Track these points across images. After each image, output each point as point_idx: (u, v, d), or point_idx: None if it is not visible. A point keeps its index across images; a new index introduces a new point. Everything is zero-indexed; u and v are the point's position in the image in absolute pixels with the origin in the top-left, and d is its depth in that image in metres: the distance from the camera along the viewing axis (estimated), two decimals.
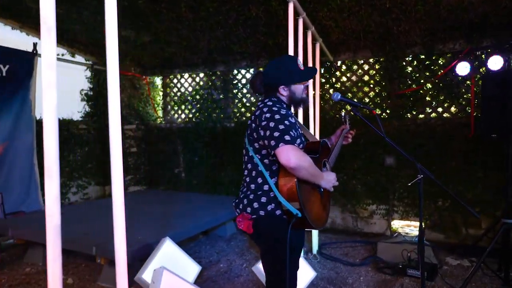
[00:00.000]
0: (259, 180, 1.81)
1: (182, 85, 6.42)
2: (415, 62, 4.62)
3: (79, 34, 4.86)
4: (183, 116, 6.43)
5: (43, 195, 4.94)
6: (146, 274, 2.69)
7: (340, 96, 2.00)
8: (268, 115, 1.74)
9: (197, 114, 6.16)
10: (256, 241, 1.91)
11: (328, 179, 1.82)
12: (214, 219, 4.24)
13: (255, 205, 1.78)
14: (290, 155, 1.61)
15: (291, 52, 3.08)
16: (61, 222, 4.02)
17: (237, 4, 3.74)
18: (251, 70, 5.70)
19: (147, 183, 6.53)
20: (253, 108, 5.65)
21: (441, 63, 4.50)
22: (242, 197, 1.86)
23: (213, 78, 6.04)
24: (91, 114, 5.81)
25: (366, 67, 4.96)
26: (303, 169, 1.64)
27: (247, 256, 3.97)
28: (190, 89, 6.33)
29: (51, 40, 1.19)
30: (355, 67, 5.02)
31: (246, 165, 1.90)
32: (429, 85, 4.56)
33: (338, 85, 5.13)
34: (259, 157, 1.81)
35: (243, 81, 5.84)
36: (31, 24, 4.60)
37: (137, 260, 3.06)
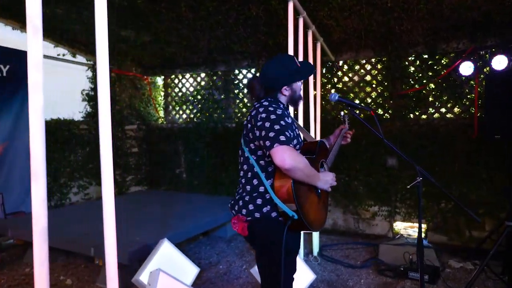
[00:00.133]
0: (255, 181, 1.78)
1: (183, 85, 6.40)
2: (417, 62, 4.56)
3: (80, 34, 4.86)
4: (184, 116, 6.41)
5: None
6: (144, 276, 2.66)
7: (338, 96, 1.97)
8: (263, 115, 1.71)
9: (198, 114, 6.14)
10: (251, 243, 1.88)
11: (325, 180, 1.78)
12: (214, 219, 4.21)
13: (251, 207, 1.76)
14: (285, 156, 1.58)
15: (291, 51, 3.05)
16: (62, 223, 4.00)
17: (237, 4, 3.71)
18: (252, 70, 5.66)
19: (148, 184, 6.52)
20: None
21: (444, 63, 4.44)
22: (237, 199, 1.84)
23: (214, 78, 6.01)
24: (92, 114, 5.80)
25: (368, 67, 4.91)
26: (299, 170, 1.61)
27: (247, 258, 3.94)
28: (191, 89, 6.31)
29: (38, 40, 1.16)
30: (357, 67, 4.98)
31: (242, 166, 1.87)
32: (432, 85, 4.50)
33: (340, 85, 5.08)
34: (255, 158, 1.79)
35: (244, 81, 5.80)
36: None
37: (135, 261, 3.05)
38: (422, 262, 1.81)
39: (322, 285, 3.28)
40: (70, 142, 5.40)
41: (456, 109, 4.44)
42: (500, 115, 3.31)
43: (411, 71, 4.62)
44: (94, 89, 5.81)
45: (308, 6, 3.56)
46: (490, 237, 3.75)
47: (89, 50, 5.52)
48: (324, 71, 5.04)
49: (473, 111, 4.24)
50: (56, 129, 5.18)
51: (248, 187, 1.80)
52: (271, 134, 1.63)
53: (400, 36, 4.22)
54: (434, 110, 4.55)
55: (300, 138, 1.92)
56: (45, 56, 4.89)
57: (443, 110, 4.51)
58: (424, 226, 4.52)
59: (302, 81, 1.97)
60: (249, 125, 1.78)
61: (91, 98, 5.78)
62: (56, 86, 5.05)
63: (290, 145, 1.63)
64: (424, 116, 4.58)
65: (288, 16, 3.03)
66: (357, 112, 2.05)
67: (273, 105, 1.77)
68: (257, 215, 1.74)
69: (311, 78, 3.80)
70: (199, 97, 6.15)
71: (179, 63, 6.02)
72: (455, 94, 4.36)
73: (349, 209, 4.95)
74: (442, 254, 3.91)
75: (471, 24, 3.89)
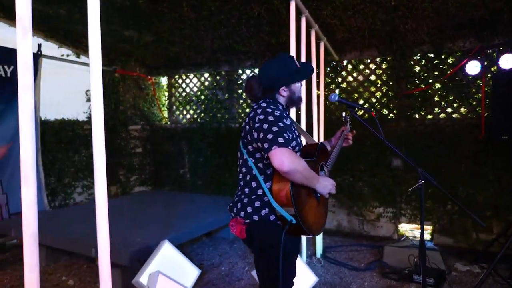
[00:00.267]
0: (253, 184, 1.75)
1: (187, 85, 6.39)
2: (423, 61, 4.50)
3: (83, 35, 4.85)
4: (188, 116, 6.40)
5: (47, 195, 4.98)
6: (144, 277, 2.64)
7: (338, 97, 1.93)
8: (261, 116, 1.68)
9: (202, 114, 6.12)
10: (249, 246, 1.85)
11: (325, 184, 1.75)
12: (217, 220, 4.19)
13: (249, 209, 1.73)
14: (284, 159, 1.55)
15: (293, 52, 3.01)
16: (66, 222, 4.00)
17: (239, 3, 3.68)
18: (256, 70, 5.63)
19: (152, 184, 6.52)
20: None
21: (451, 62, 4.37)
22: (236, 201, 1.82)
23: (218, 78, 5.99)
24: None
25: (372, 66, 4.85)
26: (297, 173, 1.58)
27: (250, 259, 3.90)
28: (195, 89, 6.30)
29: (27, 41, 1.14)
30: (361, 66, 4.92)
31: (241, 168, 1.85)
32: (438, 85, 4.43)
33: (344, 85, 5.03)
34: (253, 160, 1.76)
35: None
36: (35, 26, 4.60)
37: (136, 262, 3.03)
38: (424, 265, 1.77)
39: None
40: (74, 142, 5.41)
41: (462, 109, 4.37)
42: (508, 115, 3.24)
43: (417, 71, 4.55)
44: None
45: (311, 5, 3.52)
46: (497, 240, 3.67)
47: None
48: (328, 71, 4.99)
49: (480, 111, 4.16)
50: (60, 129, 5.20)
51: (246, 190, 1.78)
52: (269, 136, 1.60)
53: (405, 35, 4.15)
54: (440, 110, 4.48)
55: (299, 140, 1.89)
56: (50, 57, 4.91)
57: (449, 110, 4.43)
58: (430, 228, 4.46)
59: (302, 82, 1.93)
60: (247, 127, 1.75)
61: None
62: (60, 86, 5.07)
63: (289, 147, 1.60)
64: (429, 116, 4.51)
65: (290, 16, 3.00)
66: (361, 112, 2.00)
67: (272, 106, 1.74)
68: (255, 217, 1.71)
69: (314, 78, 3.76)
70: (202, 97, 6.13)
71: (182, 63, 6.02)
72: (461, 93, 4.29)
73: (353, 210, 4.89)
74: (448, 257, 3.84)
75: (478, 23, 3.82)
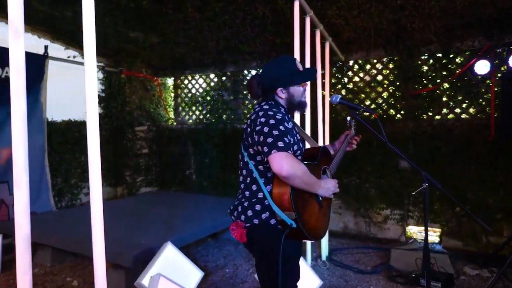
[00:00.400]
0: (254, 187, 1.73)
1: (193, 86, 6.40)
2: (431, 61, 4.42)
3: None
4: (194, 117, 6.40)
5: (54, 196, 5.02)
6: (146, 280, 2.63)
7: (340, 98, 1.89)
8: (263, 119, 1.65)
9: (208, 115, 6.12)
10: (250, 250, 1.83)
11: (327, 187, 1.71)
12: (222, 222, 4.16)
13: (249, 213, 1.70)
14: (283, 163, 1.52)
15: (297, 52, 2.98)
16: (72, 223, 4.01)
17: (243, 3, 3.65)
18: (261, 71, 5.60)
19: (158, 184, 6.53)
20: None
21: (459, 62, 4.29)
22: (236, 204, 1.79)
23: (224, 79, 5.98)
24: (103, 116, 5.84)
25: (379, 66, 4.79)
26: (297, 178, 1.55)
27: (254, 261, 3.87)
28: (200, 90, 6.31)
29: (19, 44, 1.12)
30: (368, 66, 4.86)
31: (241, 171, 1.82)
32: (446, 85, 4.36)
33: (350, 85, 4.97)
34: (254, 163, 1.73)
35: None
36: (42, 27, 4.65)
37: (140, 264, 3.02)
38: (428, 269, 1.73)
39: None
40: (81, 143, 5.44)
41: (471, 110, 4.28)
42: None
43: (424, 70, 4.48)
44: (105, 90, 5.86)
45: (316, 5, 3.48)
46: (508, 243, 3.58)
47: (100, 51, 5.55)
48: (334, 71, 4.94)
49: (489, 112, 4.07)
50: (66, 130, 5.23)
51: (247, 193, 1.75)
52: (269, 140, 1.58)
53: (412, 35, 4.09)
54: (448, 111, 4.40)
55: (301, 143, 1.85)
56: (56, 58, 4.95)
57: (457, 110, 4.35)
58: (438, 230, 4.38)
59: (305, 87, 1.89)
60: (249, 129, 1.73)
61: (102, 100, 5.83)
62: (67, 88, 5.09)
63: (289, 151, 1.57)
64: (437, 117, 4.43)
65: (294, 16, 2.96)
66: (366, 114, 1.96)
67: (273, 109, 1.71)
68: (255, 221, 1.68)
69: (319, 78, 3.72)
70: (208, 98, 6.13)
71: (188, 64, 6.02)
72: (470, 94, 4.20)
73: (360, 212, 4.83)
74: (457, 260, 3.77)
75: (487, 21, 3.74)
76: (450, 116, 4.38)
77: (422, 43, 4.25)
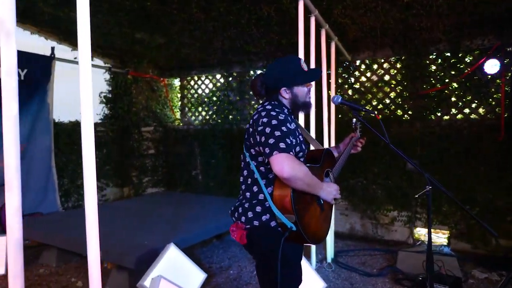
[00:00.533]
0: (255, 188, 1.70)
1: (199, 86, 6.40)
2: (439, 60, 4.35)
3: (96, 37, 4.90)
4: (200, 117, 6.40)
5: (61, 196, 5.05)
6: (148, 281, 2.62)
7: (341, 99, 1.85)
8: (265, 119, 1.62)
9: (214, 116, 6.11)
10: (250, 252, 1.80)
11: (329, 191, 1.68)
12: (227, 223, 4.12)
13: (250, 214, 1.68)
14: (284, 165, 1.49)
15: (301, 52, 2.94)
16: (77, 224, 4.01)
17: (248, 4, 3.63)
18: (265, 70, 5.58)
19: (165, 185, 6.54)
20: None
21: (468, 61, 4.20)
22: (237, 205, 1.78)
23: (230, 79, 5.97)
24: (110, 117, 5.87)
25: (386, 66, 4.72)
26: (298, 180, 1.52)
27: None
28: (207, 90, 6.30)
29: (11, 46, 1.10)
30: (375, 66, 4.80)
31: (243, 171, 1.80)
32: (455, 85, 4.28)
33: (357, 85, 4.92)
34: (255, 164, 1.71)
35: None
36: (48, 29, 4.68)
37: (143, 265, 3.01)
38: (431, 272, 1.68)
39: None
40: None
41: (481, 110, 4.20)
42: None
43: (432, 70, 4.40)
44: (112, 91, 5.89)
45: (321, 5, 3.44)
46: None
47: (106, 53, 5.58)
48: (340, 71, 4.89)
49: (499, 112, 3.98)
50: (73, 131, 5.26)
51: (248, 194, 1.73)
52: (271, 141, 1.55)
53: (419, 34, 4.02)
54: (457, 111, 4.32)
55: (304, 145, 1.82)
56: (63, 60, 4.98)
57: (466, 110, 4.27)
58: (447, 233, 4.30)
59: (308, 86, 1.84)
60: (251, 129, 1.70)
61: (109, 101, 5.86)
62: (74, 88, 5.10)
63: (291, 152, 1.54)
64: (446, 117, 4.35)
65: (299, 15, 2.93)
66: (372, 115, 1.91)
67: (276, 110, 1.68)
68: (256, 223, 1.66)
69: (324, 78, 3.68)
70: (214, 98, 6.12)
71: (194, 64, 6.02)
72: (479, 93, 4.12)
73: (367, 214, 4.77)
74: (465, 263, 3.69)
75: (497, 20, 3.66)
76: (459, 116, 4.30)
77: (430, 42, 4.18)
